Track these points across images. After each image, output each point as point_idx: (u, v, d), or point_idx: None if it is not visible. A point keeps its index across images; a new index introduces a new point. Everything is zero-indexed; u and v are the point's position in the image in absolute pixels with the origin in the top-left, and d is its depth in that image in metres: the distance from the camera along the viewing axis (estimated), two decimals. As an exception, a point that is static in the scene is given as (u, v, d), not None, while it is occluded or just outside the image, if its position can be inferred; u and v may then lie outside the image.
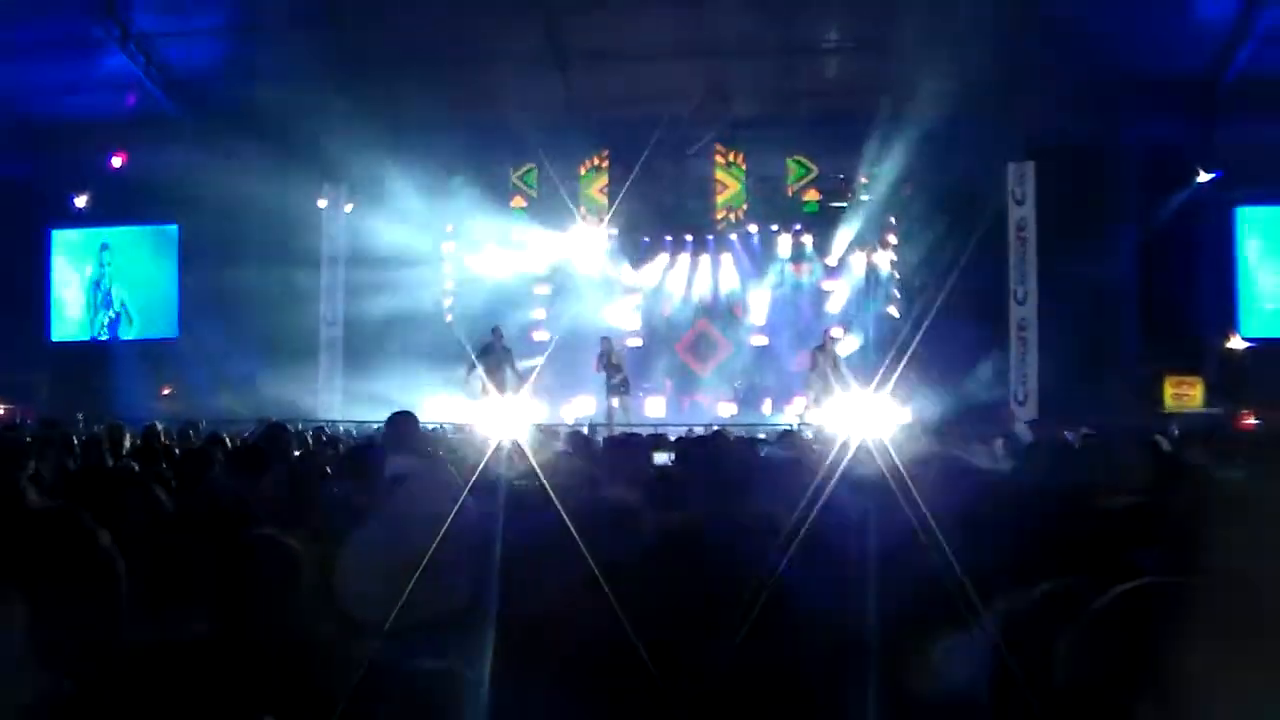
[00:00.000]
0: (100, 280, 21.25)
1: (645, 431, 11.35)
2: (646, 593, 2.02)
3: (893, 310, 19.52)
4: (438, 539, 2.52)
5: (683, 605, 2.01)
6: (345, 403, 18.60)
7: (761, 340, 20.35)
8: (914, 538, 1.98)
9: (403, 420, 6.43)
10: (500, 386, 17.14)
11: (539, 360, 18.81)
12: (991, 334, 17.13)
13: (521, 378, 17.19)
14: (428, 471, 3.23)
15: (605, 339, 18.02)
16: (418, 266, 19.27)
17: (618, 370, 17.50)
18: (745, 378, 20.27)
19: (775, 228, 20.41)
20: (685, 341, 21.06)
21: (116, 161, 19.68)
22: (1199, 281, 18.03)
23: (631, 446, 7.41)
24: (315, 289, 19.26)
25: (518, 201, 20.34)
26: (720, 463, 5.07)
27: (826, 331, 17.64)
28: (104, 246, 21.20)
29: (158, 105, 18.86)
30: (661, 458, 7.18)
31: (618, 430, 14.25)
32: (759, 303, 20.40)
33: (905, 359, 18.77)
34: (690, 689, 1.85)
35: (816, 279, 20.56)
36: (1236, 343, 17.82)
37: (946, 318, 17.11)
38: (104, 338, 21.15)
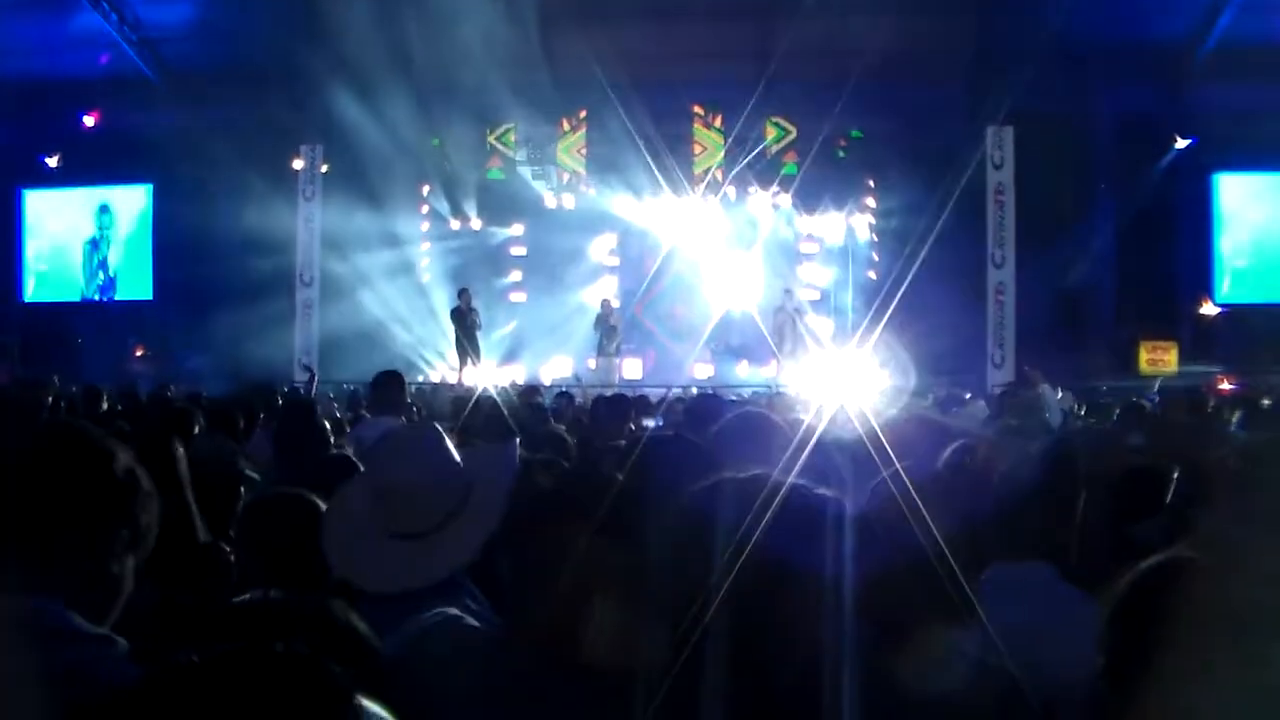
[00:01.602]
0: (99, 242, 21.01)
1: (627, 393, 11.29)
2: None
3: (871, 274, 19.55)
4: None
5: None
6: (323, 363, 18.44)
7: (738, 303, 20.36)
8: (895, 504, 1.91)
9: (387, 381, 6.30)
10: (472, 350, 17.20)
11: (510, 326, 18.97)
12: (970, 297, 17.14)
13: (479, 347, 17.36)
14: (414, 433, 3.16)
15: (606, 301, 18.43)
16: (393, 227, 19.14)
17: (614, 332, 17.59)
18: (721, 340, 20.27)
19: (753, 190, 20.33)
20: (662, 304, 21.10)
21: (89, 121, 19.42)
22: (1175, 247, 18.15)
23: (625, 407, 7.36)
24: (291, 250, 19.07)
25: (495, 162, 20.26)
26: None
27: (786, 290, 17.75)
28: (103, 209, 20.95)
29: (130, 64, 18.60)
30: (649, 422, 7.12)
31: (596, 391, 14.26)
32: (736, 265, 20.36)
33: (883, 322, 18.98)
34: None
35: (794, 241, 20.51)
36: (1210, 308, 17.98)
37: (925, 281, 17.22)
38: (97, 299, 20.97)
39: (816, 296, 19.97)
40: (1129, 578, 1.59)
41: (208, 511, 3.20)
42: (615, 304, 19.24)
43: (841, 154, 19.46)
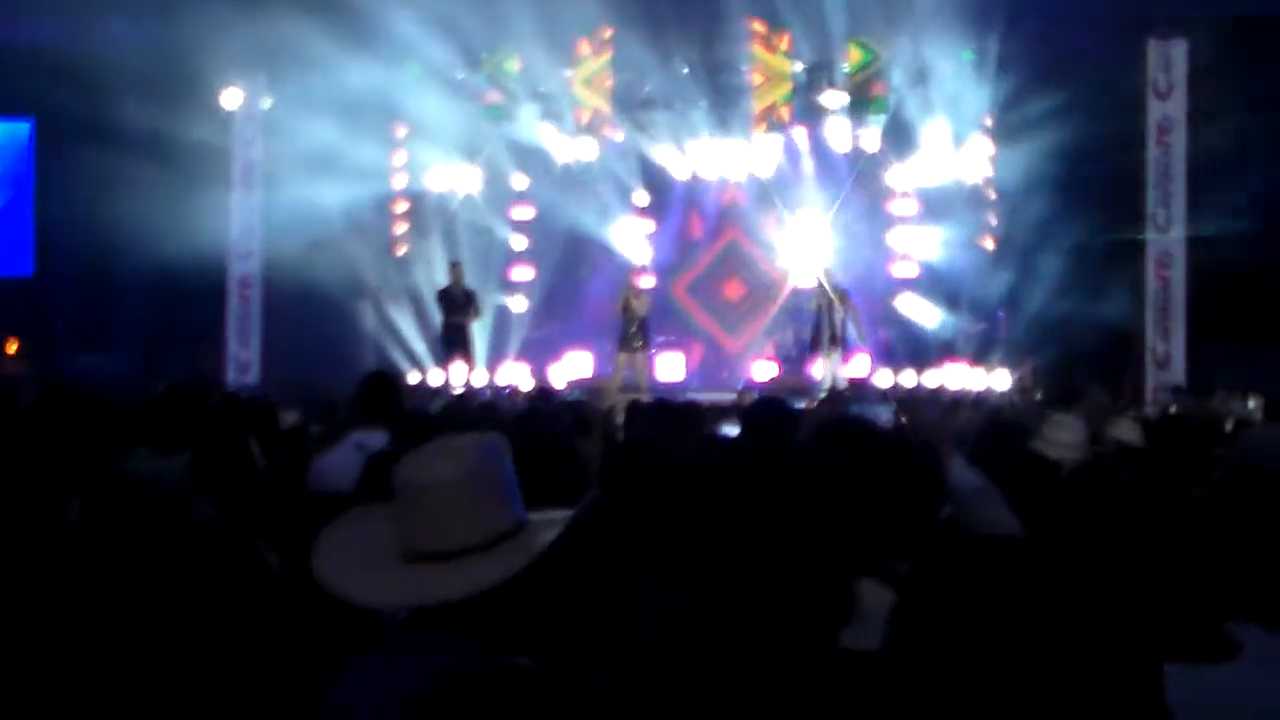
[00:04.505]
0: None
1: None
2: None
3: (987, 241, 19.20)
4: None
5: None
6: (268, 361, 18.45)
7: (811, 280, 20.03)
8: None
9: (377, 385, 6.71)
10: (463, 344, 17.07)
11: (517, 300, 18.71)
12: (1121, 273, 16.92)
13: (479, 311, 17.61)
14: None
15: (631, 278, 18.25)
16: (359, 183, 18.90)
17: (637, 320, 17.25)
18: (791, 329, 19.98)
19: (830, 132, 20.00)
20: (710, 281, 21.07)
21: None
22: None
23: (678, 419, 7.12)
24: (223, 213, 18.84)
25: (492, 97, 20.00)
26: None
27: (824, 269, 17.87)
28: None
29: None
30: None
31: (628, 396, 13.99)
32: (809, 230, 20.04)
33: (1003, 305, 18.71)
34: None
35: (883, 199, 20.23)
36: None
37: (1059, 252, 16.95)
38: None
39: (913, 271, 19.68)
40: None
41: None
42: (647, 282, 18.99)
43: (948, 84, 19.03)
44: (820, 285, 17.40)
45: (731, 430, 7.44)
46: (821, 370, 17.01)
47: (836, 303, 16.99)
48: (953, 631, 1.69)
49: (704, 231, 21.04)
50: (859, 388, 17.11)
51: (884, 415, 10.48)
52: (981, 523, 3.95)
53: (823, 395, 14.61)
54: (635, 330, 17.37)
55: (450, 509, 2.61)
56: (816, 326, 17.26)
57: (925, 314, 19.38)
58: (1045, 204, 17.11)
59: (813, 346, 17.28)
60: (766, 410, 7.04)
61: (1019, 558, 1.75)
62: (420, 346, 19.16)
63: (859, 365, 18.40)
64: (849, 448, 3.69)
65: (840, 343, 17.04)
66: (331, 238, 18.37)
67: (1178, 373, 16.42)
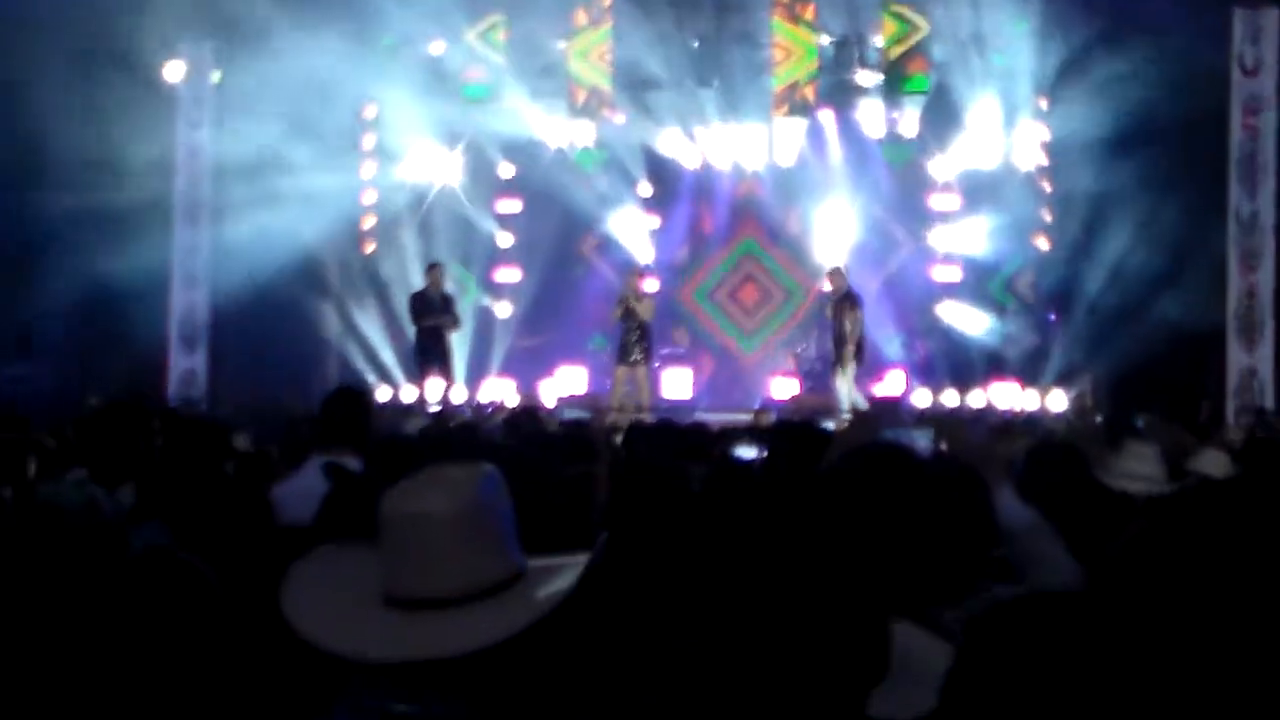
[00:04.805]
0: None
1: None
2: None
3: (1041, 240, 19.22)
4: None
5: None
6: (217, 378, 18.37)
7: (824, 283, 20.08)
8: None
9: (344, 403, 6.62)
10: (440, 356, 17.10)
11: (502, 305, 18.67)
12: (1201, 272, 16.77)
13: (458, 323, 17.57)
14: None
15: (633, 273, 18.08)
16: (322, 172, 18.86)
17: (637, 328, 17.19)
18: (814, 340, 19.93)
19: (861, 115, 20.06)
20: (722, 285, 21.09)
21: None
22: None
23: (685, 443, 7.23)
24: (165, 205, 18.81)
25: (476, 73, 20.02)
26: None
27: (833, 270, 17.87)
28: None
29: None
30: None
31: (627, 417, 14.00)
32: (834, 227, 20.10)
33: (1058, 313, 18.72)
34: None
35: (922, 192, 20.29)
36: None
37: (1128, 250, 16.94)
38: None
39: (956, 275, 19.71)
40: None
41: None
42: (650, 285, 18.97)
43: (998, 59, 19.06)
44: (830, 288, 17.43)
45: (748, 452, 7.36)
46: (838, 388, 17.03)
47: (846, 309, 16.96)
48: (1013, 708, 1.66)
49: (716, 228, 21.02)
50: (892, 409, 17.08)
51: (921, 441, 10.53)
52: (1036, 565, 3.89)
53: (849, 417, 14.57)
54: (635, 340, 17.32)
55: (445, 548, 2.56)
56: (833, 336, 17.31)
57: (970, 323, 19.41)
58: (1108, 197, 17.10)
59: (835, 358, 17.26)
60: (791, 434, 7.06)
61: (1088, 617, 1.71)
62: (391, 358, 19.20)
63: (893, 383, 18.42)
64: (881, 478, 3.69)
65: (857, 355, 17.05)
66: (290, 232, 18.31)
67: (1264, 391, 16.29)
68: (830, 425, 11.22)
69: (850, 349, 16.99)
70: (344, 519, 4.08)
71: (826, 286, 17.87)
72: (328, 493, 4.50)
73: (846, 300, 17.16)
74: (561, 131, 20.21)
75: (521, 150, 20.43)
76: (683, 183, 20.74)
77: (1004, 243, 19.55)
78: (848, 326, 16.96)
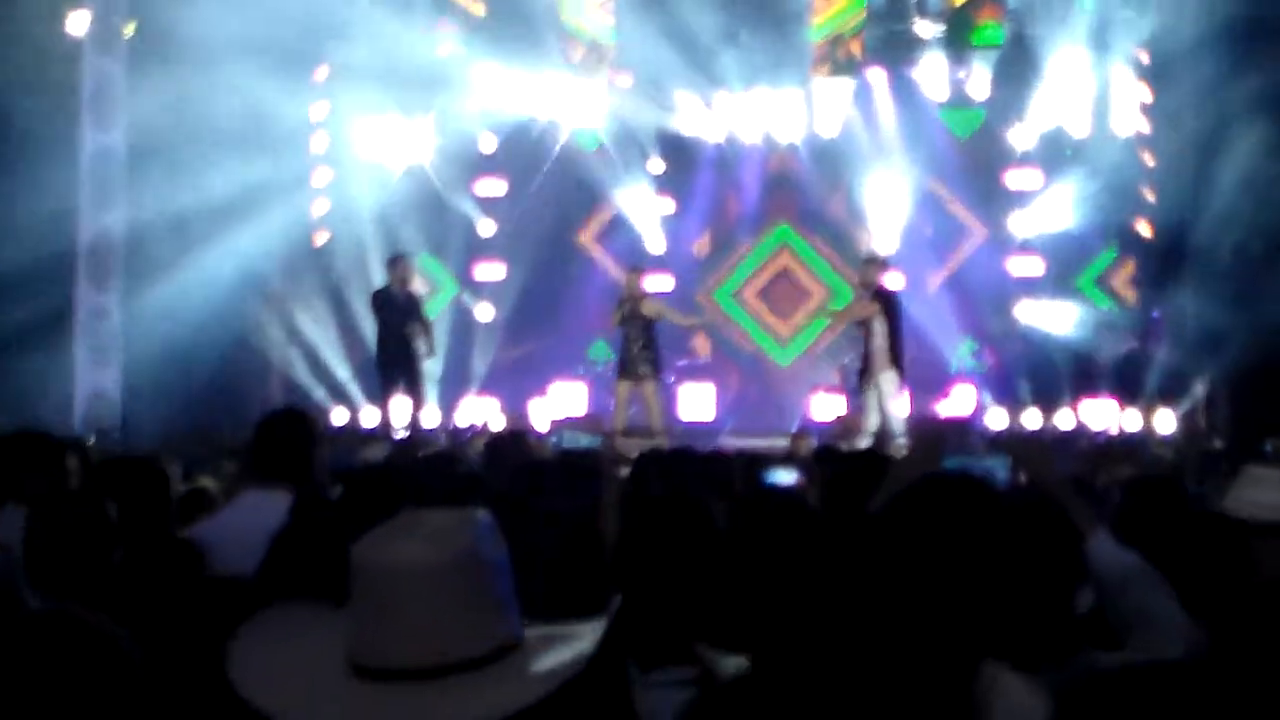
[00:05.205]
0: None
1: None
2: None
3: (1142, 225, 19.22)
4: None
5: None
6: (133, 395, 18.30)
7: (890, 278, 19.96)
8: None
9: (283, 427, 6.62)
10: (407, 369, 17.03)
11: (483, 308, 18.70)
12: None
13: (430, 345, 17.31)
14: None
15: (633, 269, 17.70)
16: (262, 149, 18.91)
17: (642, 328, 17.00)
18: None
19: (919, 73, 20.16)
20: (751, 282, 21.15)
21: None
22: None
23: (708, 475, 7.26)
24: (68, 189, 18.82)
25: (448, 27, 20.14)
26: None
27: (868, 258, 17.24)
28: None
29: None
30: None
31: (635, 443, 13.97)
32: (885, 211, 20.15)
33: (1163, 313, 18.69)
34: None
35: (997, 167, 20.33)
36: None
37: (1242, 237, 16.95)
38: None
39: (1038, 268, 19.72)
40: None
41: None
42: (662, 283, 18.97)
43: (1087, 3, 19.08)
44: (861, 282, 17.00)
45: (784, 477, 7.46)
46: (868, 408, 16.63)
47: (877, 310, 16.52)
48: None
49: (743, 213, 21.08)
50: (960, 431, 16.99)
51: (997, 470, 10.51)
52: (1140, 625, 3.84)
53: (906, 440, 14.51)
54: (640, 350, 16.91)
55: (427, 610, 2.55)
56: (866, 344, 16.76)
57: (1054, 325, 19.36)
58: (1224, 173, 17.09)
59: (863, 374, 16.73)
60: (838, 462, 7.04)
61: (1209, 695, 1.66)
62: (346, 373, 19.25)
63: (960, 400, 18.39)
64: (947, 517, 3.60)
65: (892, 364, 16.41)
66: (224, 223, 18.32)
67: None
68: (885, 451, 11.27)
69: (884, 358, 16.48)
70: (298, 569, 4.08)
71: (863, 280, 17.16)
72: (277, 535, 4.49)
73: (877, 300, 16.62)
74: (554, 97, 20.21)
75: (506, 120, 20.45)
76: (701, 159, 20.79)
77: (1096, 227, 19.56)
78: (877, 335, 16.47)
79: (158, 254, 18.10)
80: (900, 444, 14.20)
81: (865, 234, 20.14)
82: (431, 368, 18.13)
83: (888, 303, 16.40)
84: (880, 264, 16.89)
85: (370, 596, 2.57)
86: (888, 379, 16.05)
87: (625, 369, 16.98)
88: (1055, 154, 19.83)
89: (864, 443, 14.44)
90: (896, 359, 16.17)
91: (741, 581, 3.78)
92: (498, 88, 20.18)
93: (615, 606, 2.89)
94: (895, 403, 16.02)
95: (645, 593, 3.95)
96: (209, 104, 18.09)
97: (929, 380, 18.58)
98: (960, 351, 19.33)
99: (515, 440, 11.43)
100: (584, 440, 14.08)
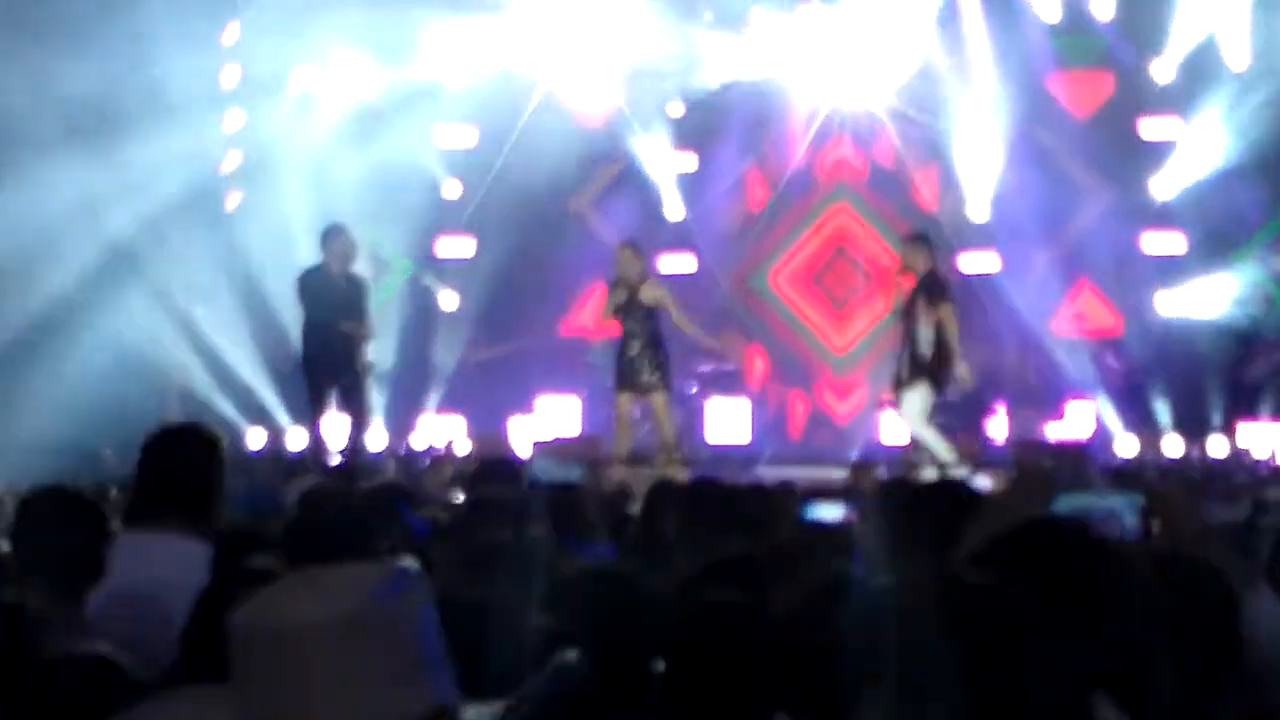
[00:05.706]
0: None
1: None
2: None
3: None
4: None
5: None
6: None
7: (982, 259, 20.24)
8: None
9: (173, 451, 6.75)
10: (346, 377, 16.85)
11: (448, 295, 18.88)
12: None
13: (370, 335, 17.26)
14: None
15: (628, 244, 17.42)
16: (166, 117, 19.01)
17: (643, 322, 16.79)
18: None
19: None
20: (796, 263, 21.22)
21: None
22: None
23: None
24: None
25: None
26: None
27: (913, 238, 17.00)
28: None
29: None
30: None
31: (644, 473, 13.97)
32: (977, 169, 20.11)
33: None
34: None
35: (1123, 108, 20.40)
36: None
37: None
38: None
39: (1180, 246, 19.77)
40: None
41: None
42: (682, 263, 18.93)
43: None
44: (903, 269, 16.78)
45: (831, 512, 7.64)
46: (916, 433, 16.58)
47: (922, 305, 16.36)
48: None
49: (786, 176, 21.00)
50: (1075, 461, 16.80)
51: (1124, 513, 10.33)
52: None
53: (1008, 476, 14.42)
54: (640, 350, 16.79)
55: (329, 676, 2.60)
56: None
57: (1205, 317, 19.34)
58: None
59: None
60: (914, 500, 6.81)
61: None
62: (263, 380, 19.28)
63: (1076, 421, 18.24)
64: (1057, 574, 3.42)
65: (928, 376, 16.31)
66: (103, 201, 18.36)
67: None
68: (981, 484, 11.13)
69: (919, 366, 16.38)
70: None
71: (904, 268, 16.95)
72: (199, 601, 4.57)
73: (924, 292, 16.46)
74: (540, 24, 20.22)
75: (470, 62, 20.53)
76: (731, 106, 20.80)
77: (1259, 193, 19.40)
78: (922, 332, 16.30)
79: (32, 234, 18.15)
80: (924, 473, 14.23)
81: (950, 199, 20.04)
82: (378, 372, 18.00)
83: (942, 293, 16.35)
84: (924, 244, 16.66)
85: (252, 666, 2.66)
86: (913, 395, 16.00)
87: (624, 377, 16.80)
88: (1201, 95, 19.72)
89: (928, 474, 14.27)
90: (938, 368, 16.09)
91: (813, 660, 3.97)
92: (459, 29, 20.38)
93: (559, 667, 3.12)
94: (916, 422, 16.06)
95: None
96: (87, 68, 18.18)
97: (1036, 394, 18.65)
98: (1076, 356, 19.13)
99: (492, 470, 11.22)
100: (573, 472, 13.95)
